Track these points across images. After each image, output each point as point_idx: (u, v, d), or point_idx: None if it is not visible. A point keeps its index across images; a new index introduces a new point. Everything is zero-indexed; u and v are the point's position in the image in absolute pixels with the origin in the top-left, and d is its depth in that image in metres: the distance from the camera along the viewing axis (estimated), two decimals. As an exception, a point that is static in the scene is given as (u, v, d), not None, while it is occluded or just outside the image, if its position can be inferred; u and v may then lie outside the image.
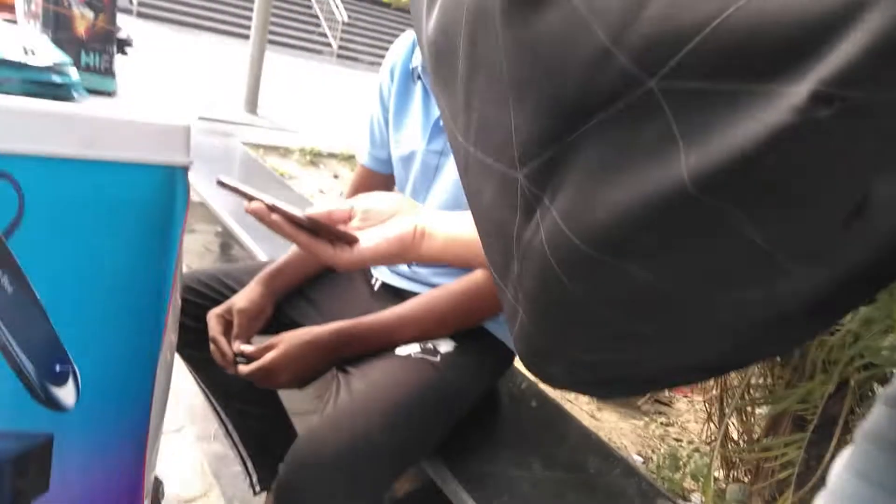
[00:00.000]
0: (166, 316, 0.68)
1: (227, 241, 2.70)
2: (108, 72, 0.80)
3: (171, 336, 0.73)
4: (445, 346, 0.98)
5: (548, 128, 0.28)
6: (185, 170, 0.64)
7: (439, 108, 0.40)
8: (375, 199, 0.66)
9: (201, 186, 2.04)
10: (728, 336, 0.29)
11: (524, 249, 0.32)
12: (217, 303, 1.13)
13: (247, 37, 4.08)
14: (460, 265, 0.66)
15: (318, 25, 13.75)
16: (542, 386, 1.29)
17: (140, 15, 11.31)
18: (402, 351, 0.96)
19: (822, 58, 0.19)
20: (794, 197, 0.22)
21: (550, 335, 0.34)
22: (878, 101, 0.19)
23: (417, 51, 1.07)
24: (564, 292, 0.30)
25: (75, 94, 0.72)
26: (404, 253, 0.63)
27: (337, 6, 12.93)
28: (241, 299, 1.08)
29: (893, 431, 0.31)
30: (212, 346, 1.03)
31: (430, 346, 0.97)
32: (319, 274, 1.20)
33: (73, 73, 0.69)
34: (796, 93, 0.20)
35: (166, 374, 0.74)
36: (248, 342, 1.04)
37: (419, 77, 1.06)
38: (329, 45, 13.30)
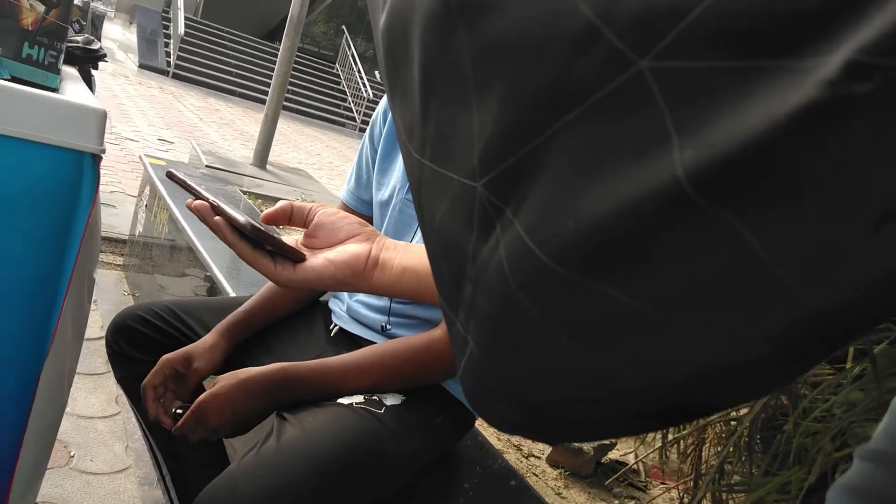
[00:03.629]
0: (55, 326, 0.58)
1: (214, 287, 2.66)
2: (52, 68, 0.75)
3: (63, 352, 0.63)
4: (392, 399, 0.88)
5: (516, 127, 0.25)
6: (94, 157, 0.57)
7: (395, 124, 0.36)
8: (333, 217, 0.60)
9: (192, 233, 2.00)
10: (705, 373, 0.24)
11: (479, 269, 0.28)
12: (170, 337, 1.05)
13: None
14: (414, 299, 0.60)
15: (345, 100, 14.47)
16: (507, 456, 1.16)
17: (175, 77, 11.88)
18: (344, 400, 0.86)
19: (858, 25, 0.16)
20: (814, 194, 0.18)
21: (503, 368, 0.29)
22: None
23: None
24: (524, 317, 0.26)
25: (-5, 73, 0.66)
26: (353, 281, 0.58)
27: (364, 85, 13.59)
28: (203, 357, 1.00)
29: (869, 485, 0.30)
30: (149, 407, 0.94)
31: (374, 397, 0.87)
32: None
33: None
34: (825, 64, 0.16)
35: (54, 399, 0.64)
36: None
37: None
38: (354, 119, 13.89)
